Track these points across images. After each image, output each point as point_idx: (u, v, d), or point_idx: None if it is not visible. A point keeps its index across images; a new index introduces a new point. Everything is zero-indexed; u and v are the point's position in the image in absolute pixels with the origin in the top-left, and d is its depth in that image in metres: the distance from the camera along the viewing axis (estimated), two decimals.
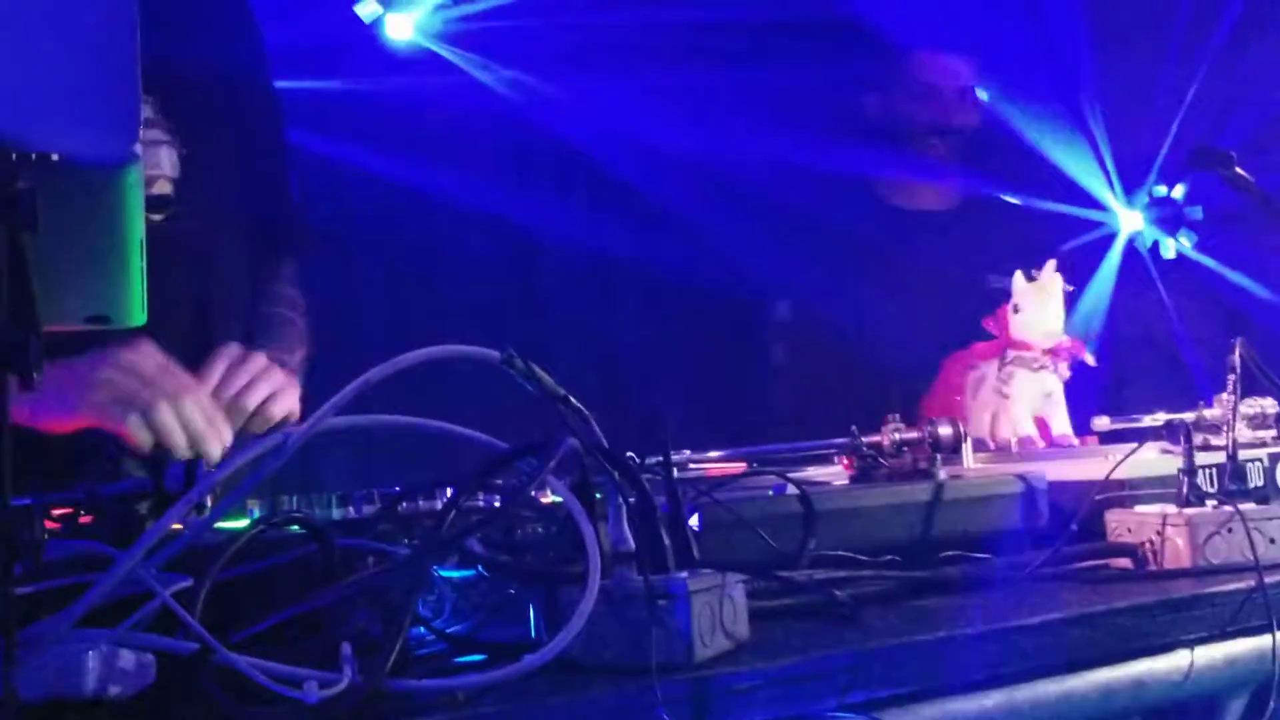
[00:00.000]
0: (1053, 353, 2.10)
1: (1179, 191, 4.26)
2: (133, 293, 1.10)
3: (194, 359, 1.73)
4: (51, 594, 0.91)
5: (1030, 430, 2.09)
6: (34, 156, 0.87)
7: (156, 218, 1.78)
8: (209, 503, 1.12)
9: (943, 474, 1.61)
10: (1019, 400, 2.10)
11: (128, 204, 0.97)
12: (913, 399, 2.20)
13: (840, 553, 1.36)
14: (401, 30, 4.02)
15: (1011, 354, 2.09)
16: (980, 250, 2.33)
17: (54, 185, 0.90)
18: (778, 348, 3.10)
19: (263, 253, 2.07)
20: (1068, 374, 2.12)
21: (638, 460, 1.24)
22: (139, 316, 1.12)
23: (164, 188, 1.82)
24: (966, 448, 1.73)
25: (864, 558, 1.36)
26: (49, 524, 1.08)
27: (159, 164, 1.80)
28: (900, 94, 3.09)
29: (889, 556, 1.37)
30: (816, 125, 3.31)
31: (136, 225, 1.01)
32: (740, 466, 1.75)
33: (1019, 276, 2.11)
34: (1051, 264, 2.12)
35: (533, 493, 1.15)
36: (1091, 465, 1.65)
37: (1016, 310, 2.10)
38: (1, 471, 0.86)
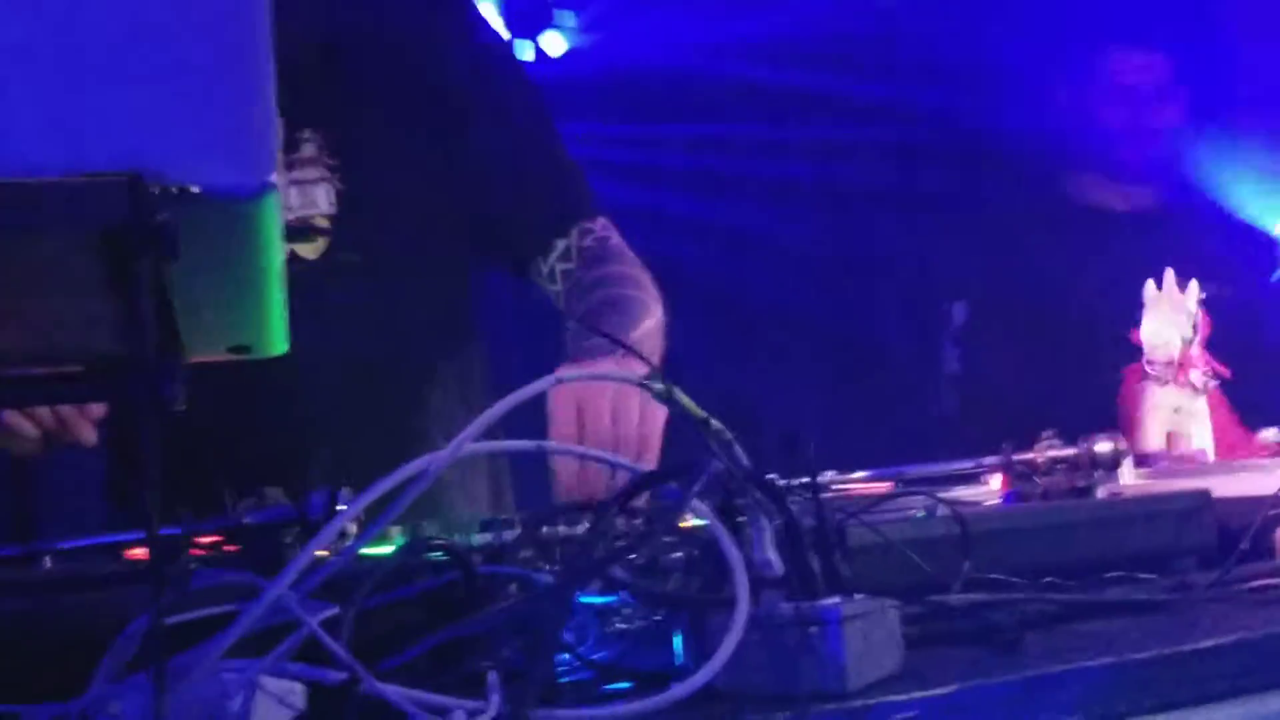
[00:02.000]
0: (1180, 366, 2.02)
1: None
2: (274, 322, 1.11)
3: (371, 381, 1.75)
4: (199, 624, 0.92)
5: (1157, 446, 2.01)
6: (175, 189, 0.89)
7: (310, 256, 1.81)
8: (353, 530, 1.13)
9: (1101, 491, 1.57)
10: (1148, 414, 2.03)
11: (265, 234, 0.98)
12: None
13: (996, 576, 1.33)
14: None
15: (1145, 368, 2.03)
16: (1170, 257, 2.21)
17: (193, 218, 0.91)
18: (952, 353, 2.99)
19: (531, 242, 2.03)
20: (1209, 387, 2.03)
21: (781, 482, 1.22)
22: (280, 346, 1.13)
23: (320, 224, 1.85)
24: (1127, 464, 1.68)
25: (1021, 580, 1.32)
26: (194, 552, 1.10)
27: (315, 203, 1.83)
28: (1094, 93, 2.99)
29: (1048, 579, 1.33)
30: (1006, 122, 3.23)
31: (275, 255, 1.02)
32: (887, 486, 1.71)
33: (1149, 285, 2.05)
34: (1170, 273, 2.05)
35: (680, 519, 1.15)
36: (1262, 479, 1.59)
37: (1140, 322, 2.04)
38: (150, 503, 0.87)
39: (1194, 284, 2.05)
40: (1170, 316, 1.99)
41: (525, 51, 4.23)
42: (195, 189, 0.88)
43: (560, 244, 1.99)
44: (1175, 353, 2.02)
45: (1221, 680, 1.16)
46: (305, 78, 1.82)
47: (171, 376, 1.01)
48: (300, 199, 1.84)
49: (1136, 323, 2.07)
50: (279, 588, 0.90)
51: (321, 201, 1.83)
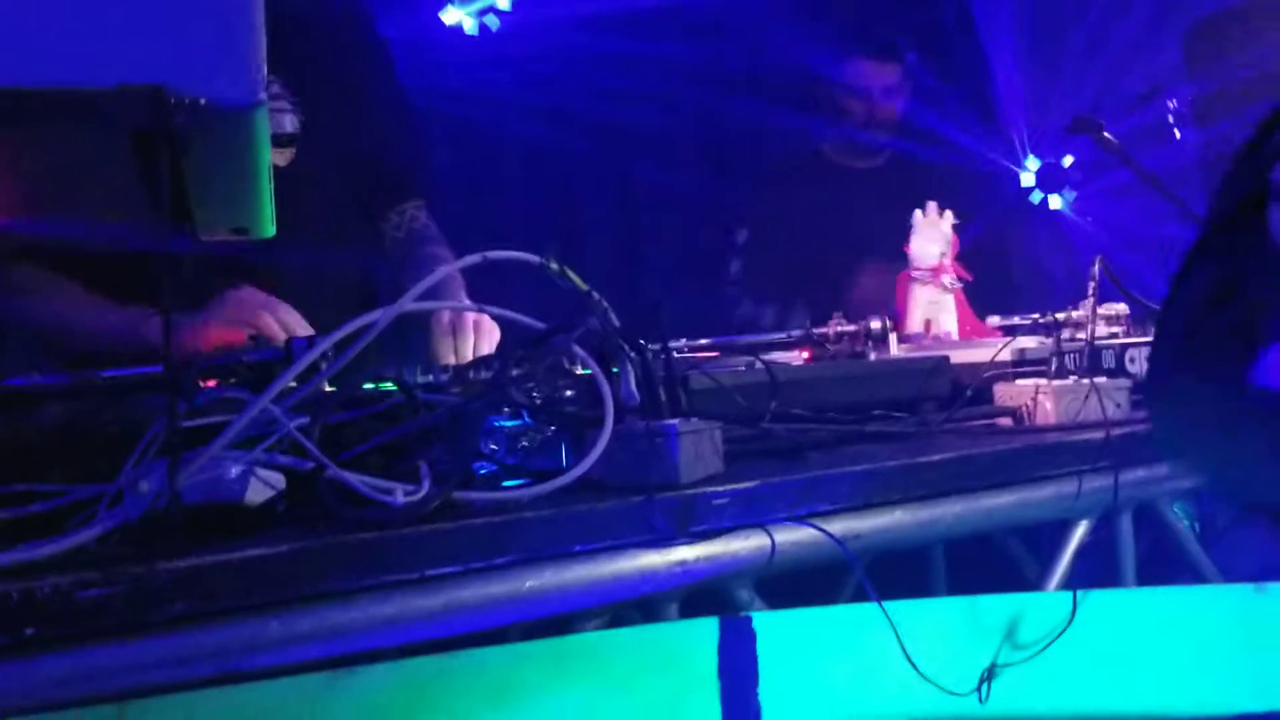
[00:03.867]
0: (934, 270, 2.06)
1: (1067, 160, 4.20)
2: (265, 210, 1.09)
3: (317, 274, 1.71)
4: (205, 429, 0.92)
5: (918, 329, 2.04)
6: (187, 101, 0.86)
7: (280, 162, 1.76)
8: (322, 366, 1.12)
9: (873, 356, 1.60)
10: (912, 306, 2.06)
11: (258, 138, 0.96)
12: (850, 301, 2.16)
13: (795, 410, 1.36)
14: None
15: (911, 272, 2.06)
16: (907, 197, 2.28)
17: (202, 124, 0.89)
18: (736, 264, 3.11)
19: (389, 191, 1.97)
20: (955, 287, 2.07)
21: (644, 342, 1.24)
22: (270, 229, 1.11)
23: (284, 143, 1.81)
24: (893, 338, 1.72)
25: (811, 414, 1.36)
26: (211, 382, 1.09)
27: (282, 126, 1.78)
28: (839, 91, 3.11)
29: (830, 414, 1.37)
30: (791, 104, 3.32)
31: (265, 156, 1.00)
32: (716, 354, 1.73)
33: (916, 213, 2.07)
34: (933, 204, 2.08)
35: (567, 365, 1.16)
36: (985, 351, 1.64)
37: (909, 239, 2.08)
38: (166, 334, 0.86)
39: (948, 213, 2.08)
40: (929, 234, 2.02)
41: (468, 25, 4.08)
42: (204, 101, 0.86)
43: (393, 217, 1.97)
44: (934, 262, 2.06)
45: (947, 483, 1.21)
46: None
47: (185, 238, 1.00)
48: (273, 120, 1.80)
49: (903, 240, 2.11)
50: (266, 398, 0.90)
51: (287, 125, 1.79)
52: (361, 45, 1.98)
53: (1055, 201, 4.25)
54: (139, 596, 0.72)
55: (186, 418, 0.90)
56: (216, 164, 0.95)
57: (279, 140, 1.74)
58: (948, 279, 2.04)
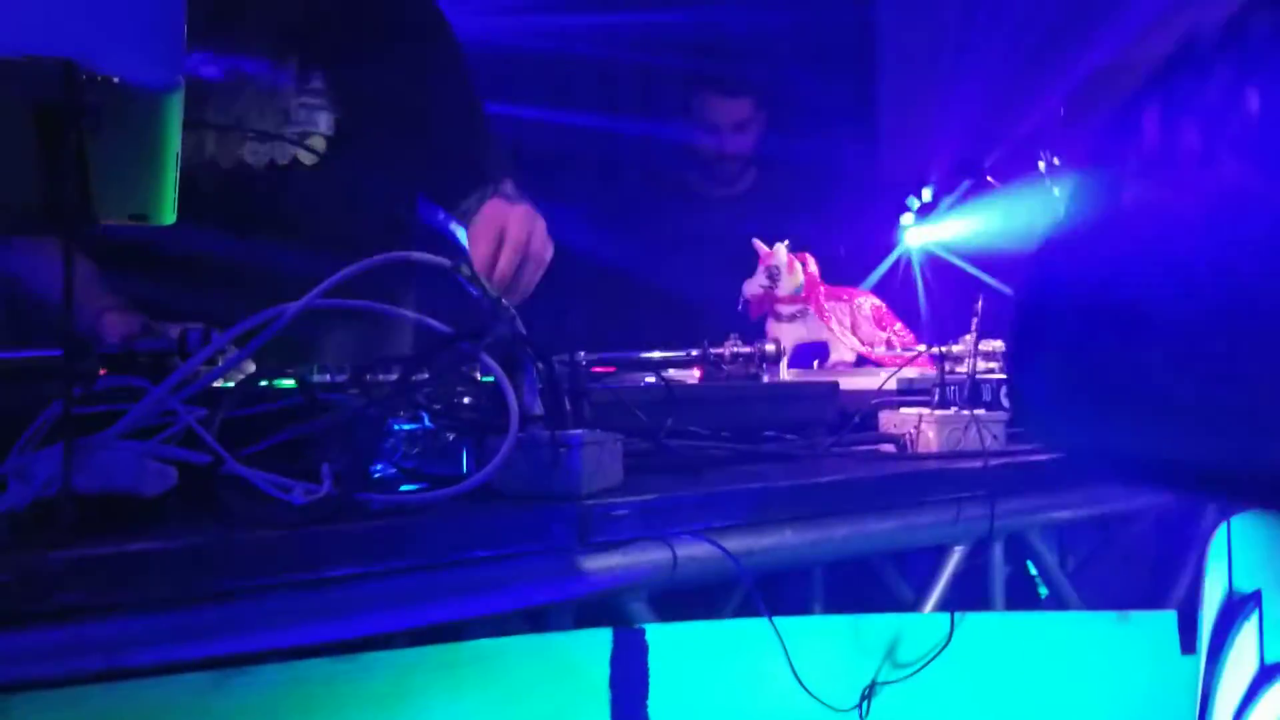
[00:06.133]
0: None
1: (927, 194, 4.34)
2: (167, 197, 1.06)
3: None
4: (100, 417, 0.88)
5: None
6: (99, 78, 0.84)
7: (308, 162, 1.70)
8: (220, 360, 1.09)
9: (766, 378, 1.64)
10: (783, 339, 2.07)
11: (170, 123, 0.93)
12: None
13: (691, 428, 1.38)
14: None
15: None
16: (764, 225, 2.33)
17: (113, 103, 0.86)
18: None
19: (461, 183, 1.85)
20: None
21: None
22: (169, 217, 1.08)
23: (318, 144, 1.75)
24: (784, 363, 1.76)
25: (707, 433, 1.38)
26: (102, 371, 1.05)
27: (316, 123, 1.73)
28: (694, 125, 3.20)
29: (725, 433, 1.39)
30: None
31: (174, 141, 0.97)
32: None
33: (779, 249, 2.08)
34: (781, 245, 2.08)
35: (472, 373, 1.15)
36: (872, 379, 1.70)
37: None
38: (66, 320, 0.83)
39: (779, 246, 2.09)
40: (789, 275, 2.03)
41: None
42: (117, 80, 0.84)
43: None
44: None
45: (834, 505, 1.24)
46: (317, 24, 1.72)
47: (84, 227, 0.96)
48: (305, 117, 1.74)
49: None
50: (163, 389, 0.87)
51: (322, 124, 1.73)
52: (424, 32, 1.86)
53: (915, 236, 4.38)
54: (26, 586, 0.69)
55: (83, 403, 0.87)
56: (124, 146, 0.92)
57: (308, 137, 1.67)
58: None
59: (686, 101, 3.28)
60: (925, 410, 1.51)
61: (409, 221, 1.94)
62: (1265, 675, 0.97)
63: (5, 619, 0.69)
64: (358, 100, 1.78)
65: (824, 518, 1.22)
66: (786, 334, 2.02)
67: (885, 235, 3.91)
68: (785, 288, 2.05)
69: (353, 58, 1.75)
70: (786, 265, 2.05)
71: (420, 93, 1.83)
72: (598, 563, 1.02)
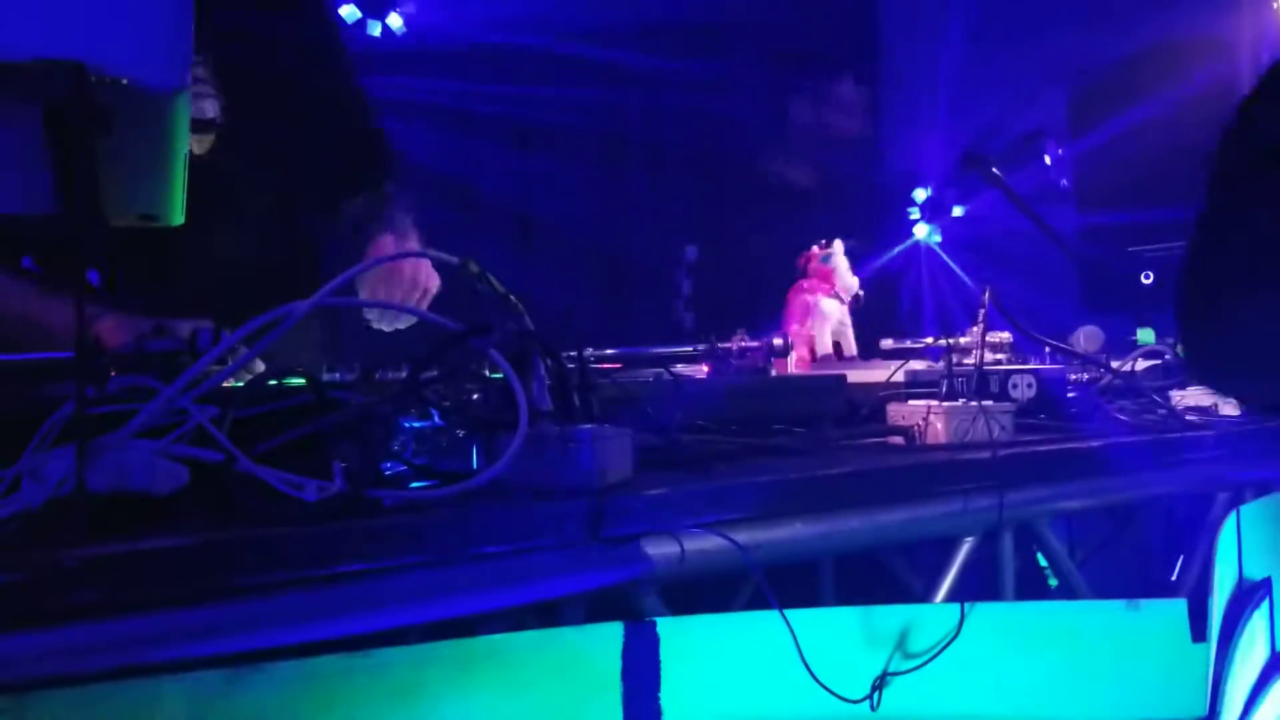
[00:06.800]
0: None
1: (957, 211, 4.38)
2: (176, 197, 1.06)
3: (236, 264, 1.65)
4: (113, 416, 0.89)
5: (829, 349, 2.12)
6: (109, 80, 0.84)
7: (198, 150, 1.70)
8: (230, 360, 1.09)
9: (774, 372, 1.64)
10: (824, 325, 2.12)
11: (177, 124, 0.94)
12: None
13: (699, 422, 1.38)
14: None
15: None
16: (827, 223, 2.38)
17: (122, 104, 0.86)
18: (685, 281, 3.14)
19: (344, 180, 1.88)
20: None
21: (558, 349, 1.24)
22: (179, 218, 1.08)
23: (207, 131, 1.75)
24: (792, 356, 1.76)
25: (716, 426, 1.38)
26: (113, 372, 1.05)
27: (203, 111, 1.72)
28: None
29: (734, 427, 1.39)
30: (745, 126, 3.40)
31: (183, 142, 0.98)
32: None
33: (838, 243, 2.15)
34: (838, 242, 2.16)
35: (478, 369, 1.15)
36: (880, 372, 1.69)
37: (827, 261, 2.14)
38: (78, 320, 0.83)
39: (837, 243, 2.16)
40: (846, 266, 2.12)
41: (374, 29, 4.08)
42: (125, 81, 0.84)
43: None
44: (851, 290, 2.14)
45: (844, 497, 1.23)
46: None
47: (93, 232, 0.96)
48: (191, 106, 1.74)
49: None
50: (174, 389, 0.87)
51: (208, 110, 1.73)
52: (306, 26, 1.89)
53: (921, 231, 4.39)
54: (41, 585, 0.70)
55: (96, 403, 0.87)
56: (133, 147, 0.93)
57: (197, 126, 1.68)
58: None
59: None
60: (933, 402, 1.51)
61: (301, 211, 1.93)
62: (1277, 663, 0.97)
63: (20, 618, 0.69)
64: (241, 87, 1.77)
65: (834, 510, 1.22)
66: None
67: (893, 229, 3.91)
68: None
69: (235, 42, 1.74)
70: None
71: (302, 79, 1.83)
72: (609, 557, 1.01)
